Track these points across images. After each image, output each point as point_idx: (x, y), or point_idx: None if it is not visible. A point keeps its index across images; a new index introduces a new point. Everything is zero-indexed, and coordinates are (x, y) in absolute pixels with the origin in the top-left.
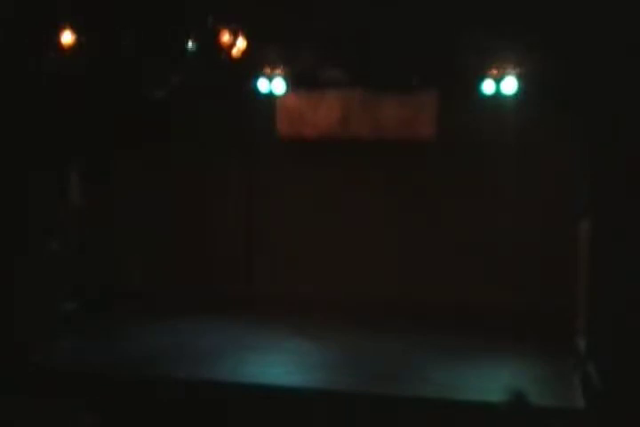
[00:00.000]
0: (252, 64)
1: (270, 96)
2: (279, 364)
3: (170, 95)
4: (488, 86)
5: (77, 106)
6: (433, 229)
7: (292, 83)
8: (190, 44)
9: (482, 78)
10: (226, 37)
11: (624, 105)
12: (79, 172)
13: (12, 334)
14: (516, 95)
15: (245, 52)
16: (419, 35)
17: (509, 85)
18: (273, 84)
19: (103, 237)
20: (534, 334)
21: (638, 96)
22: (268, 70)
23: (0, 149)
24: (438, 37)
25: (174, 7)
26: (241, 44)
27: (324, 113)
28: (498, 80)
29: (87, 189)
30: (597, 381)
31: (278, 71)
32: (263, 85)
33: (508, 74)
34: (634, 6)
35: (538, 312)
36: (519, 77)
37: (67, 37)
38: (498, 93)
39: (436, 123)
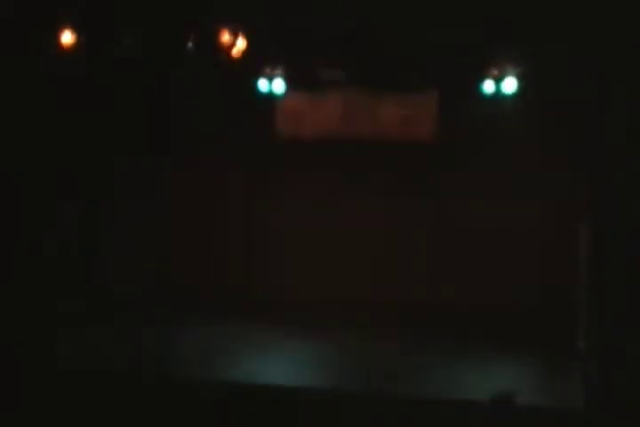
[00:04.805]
0: (252, 64)
1: (270, 96)
2: (279, 364)
3: (169, 95)
4: (488, 86)
5: (77, 106)
6: (433, 228)
7: (292, 83)
8: (190, 43)
9: (482, 78)
10: (226, 37)
11: (624, 105)
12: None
13: (11, 334)
14: (515, 95)
15: (245, 52)
16: (419, 35)
17: (509, 85)
18: (273, 84)
19: (103, 237)
20: (534, 334)
21: (638, 96)
22: (267, 70)
23: None
24: (439, 37)
25: (174, 7)
26: (241, 44)
27: (324, 113)
28: (498, 80)
29: (86, 188)
30: (597, 381)
31: (278, 71)
32: (263, 85)
33: (508, 74)
34: (633, 6)
35: (538, 312)
36: (519, 77)
37: (67, 37)
38: (498, 93)
39: (436, 123)
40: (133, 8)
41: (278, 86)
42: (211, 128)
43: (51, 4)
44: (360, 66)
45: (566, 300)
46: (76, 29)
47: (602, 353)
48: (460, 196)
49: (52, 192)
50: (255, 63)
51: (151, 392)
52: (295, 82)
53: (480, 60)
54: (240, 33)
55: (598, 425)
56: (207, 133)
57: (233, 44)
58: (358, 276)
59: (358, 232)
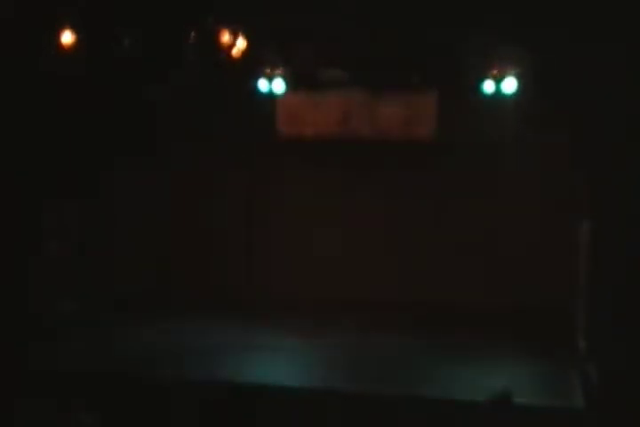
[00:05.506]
0: (252, 64)
1: (270, 96)
2: (279, 364)
3: (170, 95)
4: (488, 86)
5: (77, 106)
6: (433, 228)
7: (292, 83)
8: (190, 43)
9: (482, 78)
10: (226, 37)
11: (624, 105)
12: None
13: (11, 334)
14: (515, 95)
15: (245, 52)
16: (419, 35)
17: (509, 85)
18: (273, 84)
19: (103, 237)
20: (534, 334)
21: (638, 96)
22: (268, 70)
23: None
24: (439, 37)
25: (174, 7)
26: (241, 44)
27: (324, 113)
28: (498, 80)
29: (86, 188)
30: (597, 381)
31: (278, 71)
32: (263, 85)
33: (508, 74)
34: (633, 6)
35: (538, 312)
36: (519, 77)
37: (67, 37)
38: (498, 93)
39: (436, 123)
40: (133, 8)
41: (278, 86)
42: (211, 128)
43: (51, 3)
44: (360, 66)
45: (566, 300)
46: (76, 29)
47: (602, 353)
48: (460, 196)
49: (52, 192)
50: (255, 63)
51: (151, 393)
52: (295, 82)
53: (480, 60)
54: (240, 33)
55: (598, 425)
56: (207, 133)
57: (233, 44)
58: (358, 276)
59: (358, 232)
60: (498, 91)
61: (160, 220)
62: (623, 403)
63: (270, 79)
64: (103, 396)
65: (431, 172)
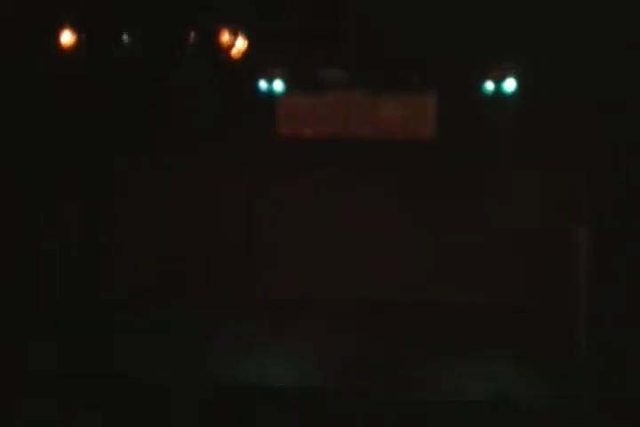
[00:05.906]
0: (252, 64)
1: (270, 96)
2: (279, 364)
3: (170, 95)
4: (488, 86)
5: (77, 106)
6: (433, 228)
7: (292, 83)
8: (190, 43)
9: (482, 78)
10: (226, 37)
11: (624, 105)
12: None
13: (11, 334)
14: (516, 94)
15: (245, 52)
16: (419, 35)
17: (510, 85)
18: (273, 84)
19: (103, 237)
20: (534, 334)
21: (638, 96)
22: (268, 70)
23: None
24: (439, 37)
25: (174, 7)
26: (241, 44)
27: (324, 113)
28: (498, 80)
29: (86, 188)
30: (597, 380)
31: (278, 71)
32: (263, 85)
33: (508, 74)
34: (632, 7)
35: (538, 312)
36: (519, 77)
37: (67, 37)
38: (498, 93)
39: (435, 123)
40: (133, 8)
41: (278, 86)
42: (211, 128)
43: (51, 3)
44: (360, 66)
45: (566, 300)
46: (76, 29)
47: (602, 353)
48: (460, 196)
49: (52, 192)
50: (255, 63)
51: (151, 393)
52: (295, 82)
53: (480, 60)
54: (240, 33)
55: (598, 425)
56: (207, 133)
57: (233, 44)
58: (358, 275)
59: (358, 232)
60: (498, 91)
61: (160, 220)
62: (623, 403)
63: (270, 79)
64: (103, 396)
65: (431, 172)
